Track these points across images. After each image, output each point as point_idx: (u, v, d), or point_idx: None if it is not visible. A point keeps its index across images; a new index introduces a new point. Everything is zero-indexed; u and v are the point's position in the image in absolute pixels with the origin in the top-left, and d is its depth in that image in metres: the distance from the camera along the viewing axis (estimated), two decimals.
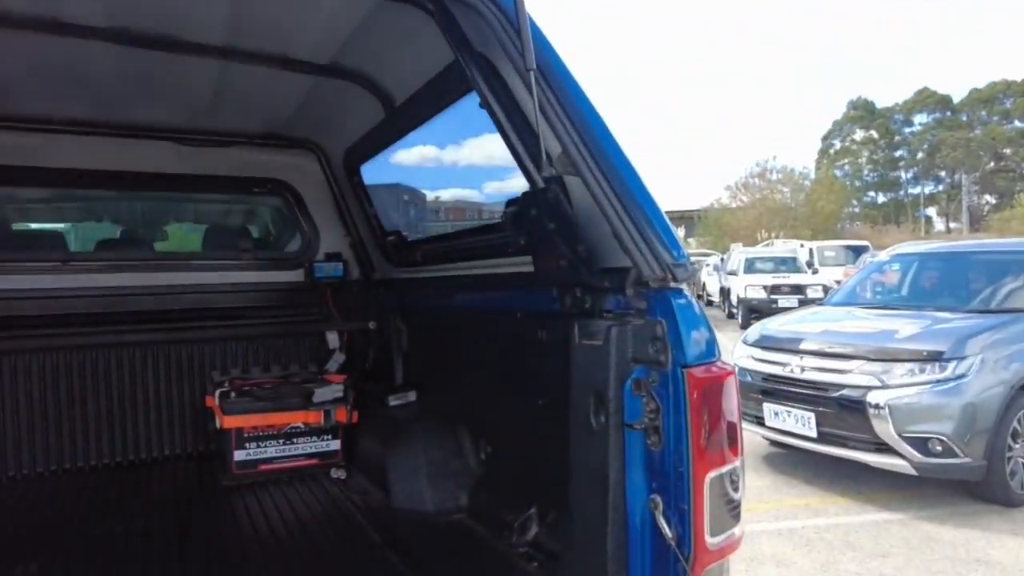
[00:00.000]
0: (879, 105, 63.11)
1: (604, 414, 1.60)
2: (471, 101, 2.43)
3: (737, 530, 1.61)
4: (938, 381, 4.88)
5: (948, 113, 60.21)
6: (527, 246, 2.09)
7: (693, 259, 1.68)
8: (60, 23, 2.27)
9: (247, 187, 3.88)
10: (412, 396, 3.26)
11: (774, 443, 6.17)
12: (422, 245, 3.36)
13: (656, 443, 1.53)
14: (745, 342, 6.54)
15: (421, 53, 2.37)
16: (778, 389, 5.74)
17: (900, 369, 5.05)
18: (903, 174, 63.02)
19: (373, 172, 3.56)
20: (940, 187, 60.83)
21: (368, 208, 3.63)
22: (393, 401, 3.22)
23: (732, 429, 1.55)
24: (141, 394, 3.57)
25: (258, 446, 3.20)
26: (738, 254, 20.97)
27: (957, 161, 55.36)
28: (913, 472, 4.91)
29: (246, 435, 3.17)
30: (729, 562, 1.66)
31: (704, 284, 23.31)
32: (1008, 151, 55.46)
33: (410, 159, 3.50)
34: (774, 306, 15.49)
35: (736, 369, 2.53)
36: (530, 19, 1.63)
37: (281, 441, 3.23)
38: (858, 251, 22.43)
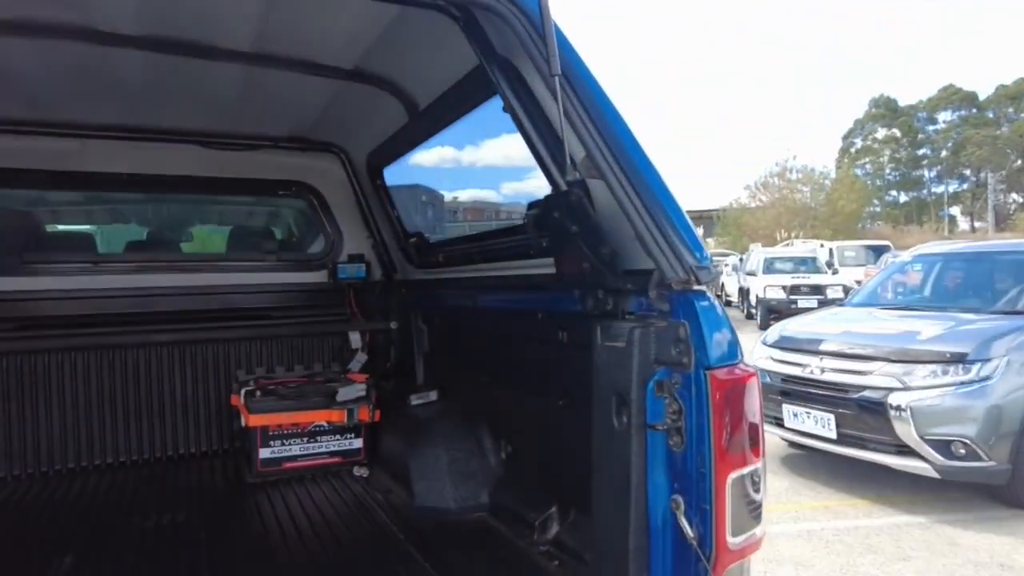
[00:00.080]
0: (901, 103, 62.18)
1: (627, 415, 1.62)
2: (493, 105, 2.47)
3: (758, 530, 1.62)
4: (962, 383, 4.82)
5: (974, 110, 59.11)
6: (549, 248, 2.12)
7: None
8: (95, 31, 2.34)
9: (272, 189, 3.96)
10: (433, 396, 3.31)
11: (793, 444, 6.14)
12: (444, 247, 3.40)
13: (678, 444, 1.55)
14: (764, 343, 6.51)
15: (445, 58, 2.41)
16: (797, 390, 5.71)
17: (922, 371, 4.99)
18: (926, 173, 62.02)
19: (396, 174, 3.61)
20: (965, 186, 59.75)
21: (390, 210, 3.68)
22: (415, 400, 3.26)
23: (754, 430, 1.57)
24: (168, 393, 3.66)
25: (282, 444, 3.26)
26: (757, 254, 20.82)
27: (983, 159, 54.33)
28: (935, 475, 4.85)
29: (271, 433, 3.23)
30: (750, 562, 1.68)
31: (723, 284, 23.15)
32: None
33: (432, 162, 3.55)
34: (793, 307, 15.37)
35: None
36: (555, 25, 1.66)
37: (305, 439, 3.29)
38: (879, 251, 22.17)
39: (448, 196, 4.12)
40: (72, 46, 2.43)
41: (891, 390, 5.01)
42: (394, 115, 3.02)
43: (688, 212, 1.65)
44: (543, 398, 2.40)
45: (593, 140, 1.63)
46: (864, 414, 5.16)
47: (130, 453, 3.56)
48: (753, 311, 18.03)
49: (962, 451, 4.72)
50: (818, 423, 5.50)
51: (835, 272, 19.08)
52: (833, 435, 5.38)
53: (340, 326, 3.98)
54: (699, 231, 1.69)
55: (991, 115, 58.28)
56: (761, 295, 17.11)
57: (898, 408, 4.90)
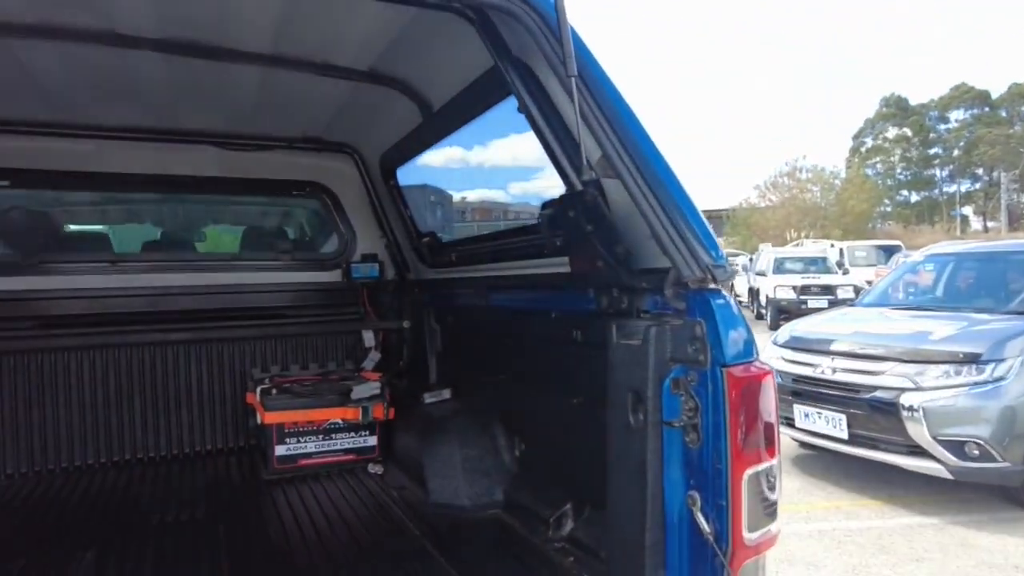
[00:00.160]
0: (912, 102, 61.69)
1: (643, 412, 1.64)
2: (506, 106, 2.50)
3: (774, 527, 1.63)
4: (975, 383, 4.80)
5: (986, 109, 58.54)
6: (563, 247, 2.14)
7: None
8: (117, 35, 2.38)
9: (286, 190, 4.00)
10: (447, 394, 3.33)
11: (804, 445, 6.12)
12: (456, 246, 3.42)
13: (695, 441, 1.57)
14: (775, 343, 6.50)
15: (459, 59, 2.43)
16: (808, 390, 5.69)
17: (935, 371, 4.97)
18: (938, 172, 61.48)
19: (408, 175, 3.64)
20: (977, 185, 59.17)
21: (403, 210, 3.71)
22: (428, 399, 3.29)
23: (770, 427, 1.58)
24: (184, 391, 3.70)
25: (298, 441, 3.29)
26: (767, 254, 20.74)
27: (995, 158, 53.79)
28: (948, 476, 4.83)
29: (287, 431, 3.27)
30: (765, 559, 1.69)
31: (732, 284, 23.04)
32: None
33: (445, 162, 3.58)
34: (803, 307, 15.30)
35: None
36: (570, 26, 1.68)
37: (320, 437, 3.33)
38: (890, 251, 22.03)
39: (460, 196, 4.15)
40: (94, 49, 2.47)
41: (903, 390, 4.99)
42: (408, 116, 3.04)
43: None
44: (557, 396, 2.42)
45: (609, 140, 1.65)
46: (876, 414, 5.15)
47: (147, 450, 3.60)
48: (763, 311, 17.96)
49: (976, 452, 4.70)
50: (829, 423, 5.48)
51: (845, 272, 18.99)
52: (844, 435, 5.36)
53: (354, 325, 4.01)
54: None
55: (1004, 114, 57.67)
56: (771, 295, 17.04)
57: (911, 408, 4.88)
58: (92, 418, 3.51)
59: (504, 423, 2.88)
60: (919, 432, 4.84)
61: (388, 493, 3.01)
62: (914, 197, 62.49)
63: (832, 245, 23.82)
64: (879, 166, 62.02)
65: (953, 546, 4.41)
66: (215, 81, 2.88)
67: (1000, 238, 30.11)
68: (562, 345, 2.36)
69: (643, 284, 1.76)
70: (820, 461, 6.13)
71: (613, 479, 1.77)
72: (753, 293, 19.95)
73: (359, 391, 3.33)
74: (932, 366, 5.01)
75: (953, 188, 60.13)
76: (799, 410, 5.71)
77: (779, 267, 18.59)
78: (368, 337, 4.02)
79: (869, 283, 14.33)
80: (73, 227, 4.20)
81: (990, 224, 54.98)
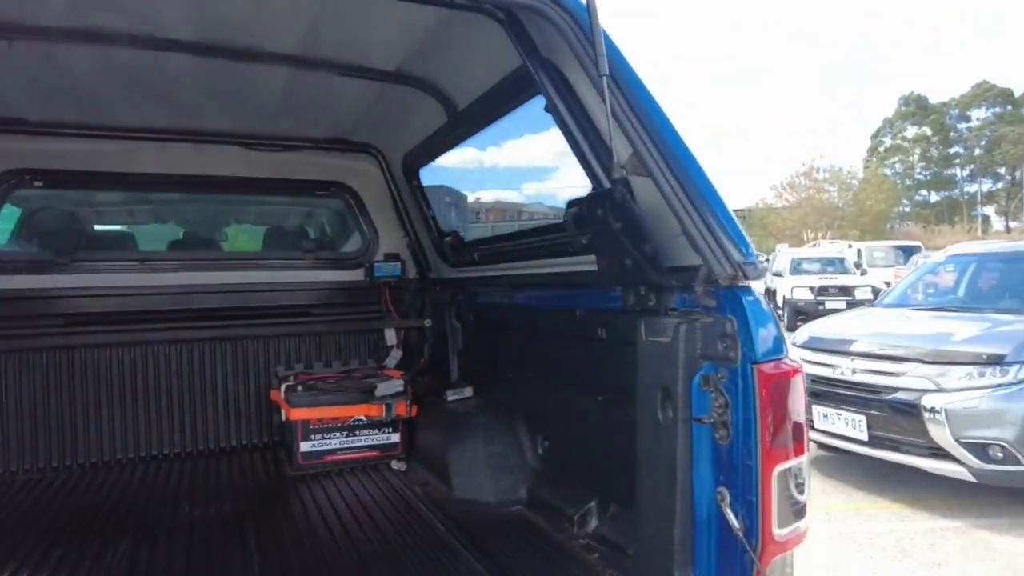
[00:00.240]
0: (932, 100, 60.83)
1: (672, 409, 1.65)
2: (532, 106, 2.52)
3: (802, 524, 1.65)
4: (999, 385, 4.74)
5: (1008, 107, 57.56)
6: (589, 245, 2.15)
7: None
8: (152, 38, 2.43)
9: (310, 190, 4.06)
10: (469, 392, 3.36)
11: (822, 446, 6.08)
12: (479, 245, 3.45)
13: (724, 437, 1.58)
14: (793, 344, 6.46)
15: (485, 59, 2.46)
16: (827, 391, 5.66)
17: (958, 372, 4.92)
18: (958, 171, 60.54)
19: (432, 174, 3.68)
20: (999, 184, 58.19)
21: (426, 210, 3.75)
22: (451, 396, 3.32)
23: (799, 423, 1.59)
24: (210, 388, 3.76)
25: (323, 438, 3.34)
26: (784, 254, 20.59)
27: (1018, 157, 52.88)
28: (971, 479, 4.78)
29: (311, 427, 3.31)
30: (793, 556, 1.70)
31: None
32: None
33: (469, 162, 3.61)
34: (821, 308, 15.19)
35: None
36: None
37: (344, 433, 3.37)
38: (909, 252, 21.79)
39: (483, 195, 4.18)
40: (129, 52, 2.52)
41: (925, 392, 4.95)
42: (432, 116, 3.07)
43: None
44: (581, 394, 2.44)
45: (640, 138, 1.67)
46: (897, 416, 5.10)
47: (173, 446, 3.67)
48: (780, 312, 17.83)
49: (999, 455, 4.65)
50: (849, 425, 5.45)
51: (863, 273, 18.81)
52: (864, 437, 5.32)
53: (376, 323, 4.06)
54: None
55: None
56: (788, 296, 16.93)
57: (932, 410, 4.84)
58: (120, 414, 3.58)
59: (527, 420, 2.90)
60: (941, 434, 4.79)
61: (412, 489, 3.04)
62: (933, 197, 61.57)
63: (850, 246, 23.60)
64: (898, 166, 61.23)
65: (976, 550, 4.36)
66: (243, 82, 2.93)
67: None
68: (587, 343, 2.37)
69: (672, 282, 1.78)
70: (839, 463, 6.08)
71: (641, 475, 1.78)
72: (770, 294, 19.80)
73: (383, 388, 3.37)
74: (955, 367, 4.96)
75: (974, 188, 59.20)
76: (818, 411, 5.68)
77: (796, 268, 18.46)
78: (390, 335, 4.06)
79: (888, 284, 14.18)
80: (103, 226, 4.29)
81: (1012, 224, 54.04)
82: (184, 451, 3.67)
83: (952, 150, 60.07)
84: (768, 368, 1.54)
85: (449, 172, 3.71)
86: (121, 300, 3.59)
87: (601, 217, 1.90)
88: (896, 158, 61.65)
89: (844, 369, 5.59)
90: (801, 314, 15.29)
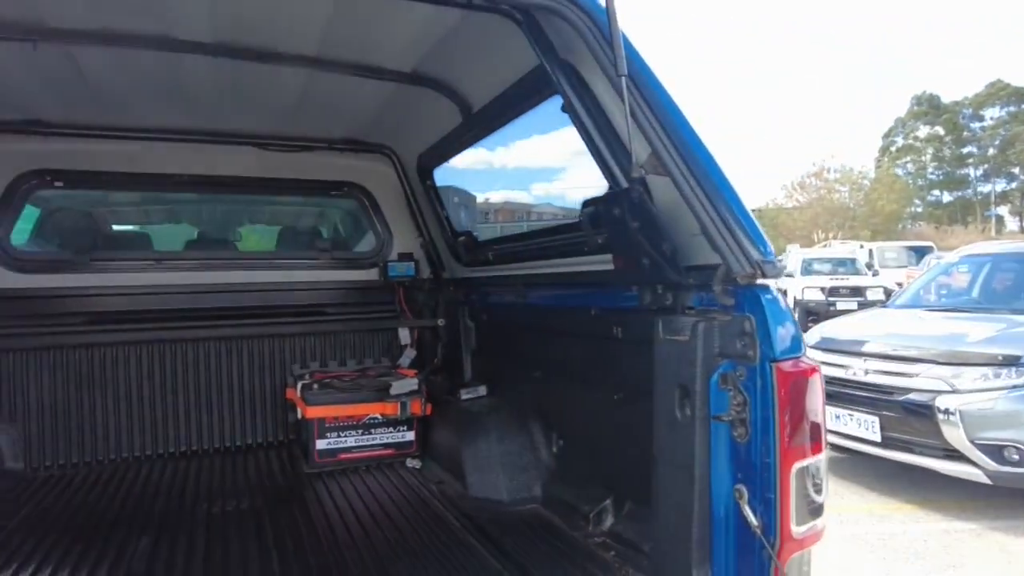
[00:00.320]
0: (945, 100, 60.26)
1: (690, 407, 1.66)
2: (547, 107, 2.54)
3: (819, 522, 1.65)
4: (1015, 386, 4.70)
5: (1023, 106, 56.94)
6: (606, 245, 2.17)
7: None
8: (173, 40, 2.47)
9: (325, 190, 4.09)
10: (483, 390, 3.38)
11: (835, 447, 6.04)
12: (493, 245, 3.47)
13: (743, 435, 1.59)
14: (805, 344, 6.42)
15: (502, 60, 2.47)
16: (840, 392, 5.63)
17: (972, 373, 4.89)
18: (972, 171, 59.91)
19: (445, 174, 3.70)
20: (1013, 184, 57.48)
21: (439, 210, 3.77)
22: (465, 395, 3.34)
23: (817, 422, 1.60)
24: (226, 386, 3.80)
25: (338, 436, 3.37)
26: (795, 255, 20.48)
27: None
28: (986, 481, 4.75)
29: (327, 425, 3.34)
30: (810, 554, 1.71)
31: None
32: None
33: (483, 162, 3.63)
34: (832, 308, 15.09)
35: None
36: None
37: (360, 431, 3.40)
38: (921, 252, 21.62)
39: (497, 196, 4.20)
40: (148, 54, 2.56)
41: (939, 393, 4.92)
42: (447, 117, 3.09)
43: None
44: (596, 393, 2.45)
45: (659, 138, 1.68)
46: (910, 417, 5.07)
47: (190, 443, 3.71)
48: None
49: (1015, 456, 4.61)
50: (861, 426, 5.42)
51: (875, 274, 18.67)
52: (877, 438, 5.30)
53: (390, 323, 4.09)
54: None
55: None
56: (799, 297, 16.81)
57: (947, 411, 4.81)
58: (138, 411, 3.63)
59: (541, 419, 2.92)
60: (956, 435, 4.76)
61: (427, 487, 3.06)
62: (946, 197, 60.97)
63: (861, 246, 23.44)
64: (910, 166, 60.71)
65: (991, 552, 4.33)
66: (259, 83, 2.96)
67: None
68: (602, 342, 2.38)
69: (690, 281, 1.79)
70: (851, 464, 6.05)
71: (659, 473, 1.80)
72: (781, 294, 19.68)
73: (398, 387, 3.40)
74: (969, 368, 4.92)
75: (988, 188, 58.55)
76: (830, 412, 5.65)
77: (807, 268, 18.34)
78: (404, 335, 4.09)
79: (900, 285, 14.08)
80: (121, 226, 4.35)
81: None
82: (201, 448, 3.72)
83: (965, 150, 59.45)
84: (787, 366, 1.55)
85: (463, 172, 3.74)
86: (139, 299, 3.63)
87: (618, 216, 1.91)
88: (908, 158, 61.11)
89: (857, 370, 5.56)
90: (812, 315, 15.18)
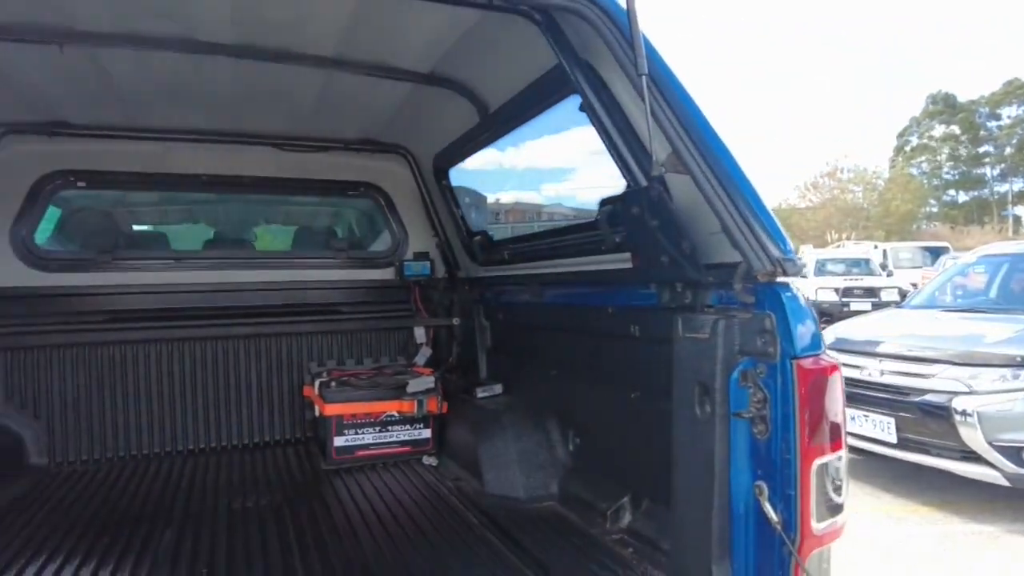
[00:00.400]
0: (961, 99, 59.55)
1: (710, 404, 1.67)
2: (564, 106, 2.55)
3: (840, 519, 1.66)
4: None
5: None
6: (623, 243, 2.18)
7: None
8: (194, 41, 2.51)
9: (341, 190, 4.13)
10: (498, 389, 3.41)
11: (851, 449, 5.99)
12: (508, 244, 3.49)
13: (763, 432, 1.60)
14: None
15: (519, 60, 2.49)
16: (855, 393, 5.59)
17: (991, 374, 4.85)
18: (988, 171, 59.13)
19: (461, 174, 3.72)
20: None
21: (455, 209, 3.80)
22: (481, 393, 3.36)
23: (837, 418, 1.61)
24: (244, 384, 3.85)
25: (356, 433, 3.40)
26: (808, 255, 20.35)
27: None
28: (1005, 483, 4.70)
29: (345, 422, 3.38)
30: (830, 551, 1.71)
31: None
32: None
33: (499, 162, 3.64)
34: (845, 309, 14.98)
35: None
36: None
37: (377, 429, 3.43)
38: (937, 252, 21.40)
39: (512, 195, 4.22)
40: (172, 56, 2.61)
41: (956, 394, 4.88)
42: (463, 117, 3.12)
43: None
44: (613, 391, 2.46)
45: (679, 136, 1.69)
46: (927, 418, 5.04)
47: (209, 440, 3.76)
48: None
49: None
50: (877, 427, 5.39)
51: (889, 274, 18.51)
52: (893, 439, 5.26)
53: (406, 321, 4.12)
54: None
55: None
56: (812, 297, 16.70)
57: (964, 413, 4.77)
58: (158, 408, 3.68)
59: (557, 417, 2.93)
60: (973, 437, 4.72)
61: (444, 484, 3.08)
62: (962, 197, 60.25)
63: (875, 247, 23.25)
64: (924, 165, 60.05)
65: (1010, 556, 4.29)
66: (279, 84, 3.00)
67: None
68: (619, 340, 2.40)
69: (709, 279, 1.80)
70: (867, 465, 6.01)
71: (678, 470, 1.81)
72: None
73: (414, 385, 3.42)
74: (987, 369, 4.88)
75: (1005, 187, 57.77)
76: (846, 413, 5.61)
77: (820, 269, 18.22)
78: (419, 333, 4.13)
79: (914, 286, 13.95)
80: (141, 226, 4.41)
81: None
82: (219, 445, 3.76)
83: (982, 149, 58.68)
84: (807, 363, 1.56)
85: (478, 172, 3.75)
86: (159, 298, 3.69)
87: (637, 215, 1.93)
88: (923, 157, 60.44)
89: (872, 371, 5.53)
90: (825, 316, 15.07)
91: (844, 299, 16.09)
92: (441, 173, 3.76)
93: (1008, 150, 55.86)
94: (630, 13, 1.67)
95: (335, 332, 4.02)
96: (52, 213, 3.72)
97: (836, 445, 1.61)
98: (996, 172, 58.27)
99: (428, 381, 3.47)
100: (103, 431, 3.57)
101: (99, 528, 2.61)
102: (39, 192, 3.48)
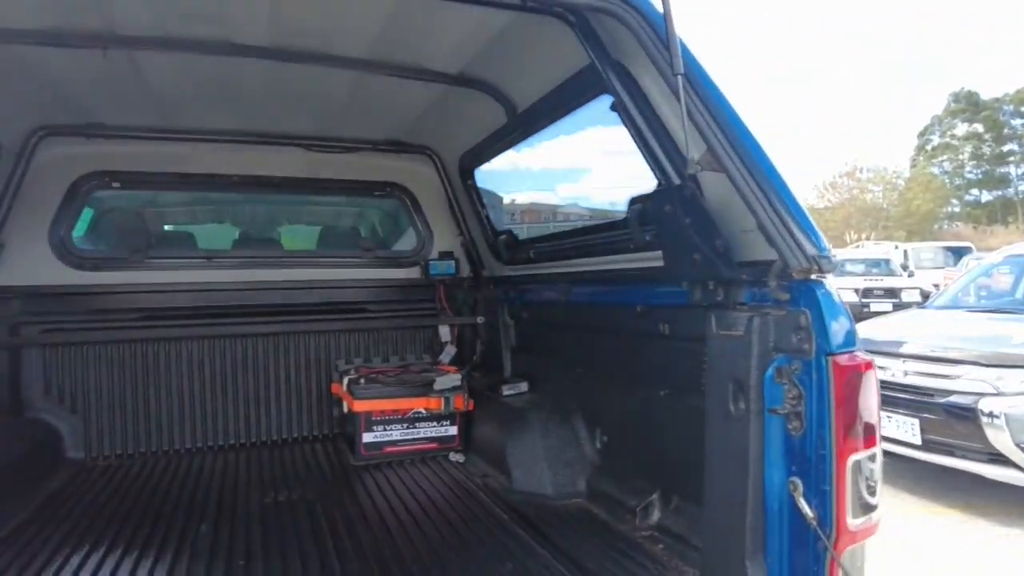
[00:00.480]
0: (984, 97, 58.50)
1: (744, 401, 1.69)
2: (593, 107, 2.58)
3: (875, 515, 1.67)
4: None
5: None
6: (653, 242, 2.20)
7: None
8: (230, 44, 2.57)
9: (368, 190, 4.18)
10: (524, 387, 3.44)
11: None
12: (534, 243, 3.52)
13: (798, 428, 1.61)
14: None
15: (549, 61, 2.51)
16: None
17: (1018, 375, 4.78)
18: (1013, 170, 58.00)
19: (486, 174, 3.76)
20: None
21: (480, 209, 3.83)
22: (507, 391, 3.40)
23: (872, 414, 1.62)
24: (273, 381, 3.92)
25: (384, 429, 3.45)
26: None
27: None
28: None
29: (374, 419, 3.43)
30: (864, 547, 1.72)
31: None
32: None
33: (526, 162, 3.67)
34: (866, 310, 14.82)
35: None
36: None
37: (405, 425, 3.48)
38: (960, 253, 21.08)
39: (539, 195, 4.26)
40: (207, 59, 2.66)
41: (983, 395, 4.82)
42: (491, 117, 3.15)
43: None
44: (641, 388, 2.48)
45: (714, 134, 1.71)
46: (952, 420, 4.98)
47: (239, 436, 3.83)
48: None
49: None
50: (900, 428, 5.34)
51: (911, 275, 18.27)
52: (918, 441, 5.21)
53: (431, 320, 4.17)
54: None
55: None
56: None
57: (991, 414, 4.72)
58: (189, 405, 3.76)
59: (584, 415, 2.96)
60: (1001, 439, 4.67)
61: (472, 480, 3.12)
62: (985, 196, 59.20)
63: (896, 247, 22.96)
64: (946, 164, 59.05)
65: None
66: (309, 86, 3.05)
67: None
68: (648, 338, 2.41)
69: (743, 276, 1.81)
70: (890, 467, 5.91)
71: (711, 467, 1.82)
72: None
73: (441, 382, 3.47)
74: (1015, 370, 4.81)
75: None
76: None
77: (840, 269, 18.02)
78: (444, 332, 4.17)
79: (936, 287, 13.76)
80: (173, 225, 4.50)
81: None
82: (249, 441, 3.83)
83: (1006, 148, 57.56)
84: (843, 360, 1.57)
85: (504, 172, 3.79)
86: (190, 296, 3.76)
87: (670, 213, 1.95)
88: (945, 156, 59.45)
89: (896, 371, 5.48)
90: None
91: (864, 300, 15.91)
92: (467, 173, 3.80)
93: None
94: (666, 14, 1.69)
95: (361, 330, 4.08)
96: (87, 213, 3.82)
97: (871, 441, 1.61)
98: (1021, 171, 57.14)
99: (455, 379, 3.52)
100: (136, 426, 3.65)
101: (137, 521, 2.68)
102: (76, 193, 3.57)
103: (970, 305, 6.93)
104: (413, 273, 4.16)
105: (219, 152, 3.75)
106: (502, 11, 2.17)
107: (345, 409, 3.56)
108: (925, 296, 12.56)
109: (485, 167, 3.73)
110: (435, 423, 3.50)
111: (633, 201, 2.30)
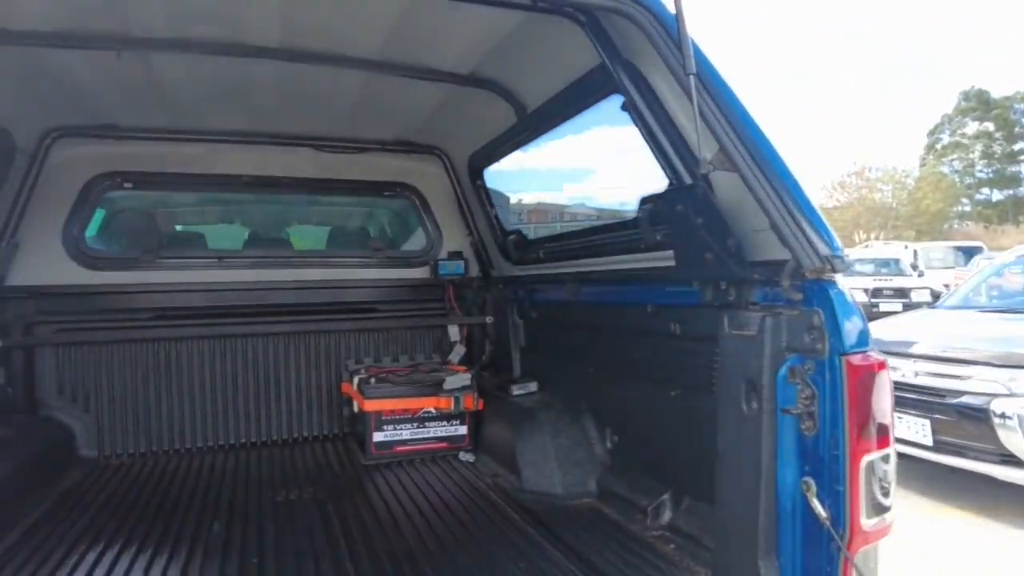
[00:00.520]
0: (995, 95, 57.97)
1: (757, 401, 1.69)
2: (603, 107, 2.58)
3: (888, 516, 1.66)
4: None
5: None
6: (664, 241, 2.20)
7: None
8: (243, 45, 2.59)
9: (378, 190, 4.20)
10: (533, 387, 3.44)
11: None
12: (543, 243, 3.52)
13: (810, 428, 1.61)
14: None
15: (560, 61, 2.52)
16: None
17: None
18: None
19: (495, 174, 3.77)
20: None
21: (489, 209, 3.84)
22: (516, 391, 3.40)
23: (886, 414, 1.61)
24: (284, 381, 3.94)
25: (394, 429, 3.46)
26: None
27: None
28: None
29: (384, 418, 3.44)
30: (877, 548, 1.71)
31: None
32: None
33: (535, 162, 3.68)
34: (875, 310, 14.72)
35: None
36: None
37: (415, 424, 3.49)
38: (970, 252, 20.92)
39: (547, 195, 4.26)
40: (220, 60, 2.68)
41: (995, 396, 4.78)
42: (501, 117, 3.15)
43: None
44: (652, 389, 2.48)
45: (727, 135, 1.71)
46: (964, 421, 4.95)
47: (250, 435, 3.85)
48: None
49: None
50: (911, 429, 5.31)
51: (920, 275, 18.15)
52: (929, 442, 5.18)
53: (440, 320, 4.18)
54: None
55: None
56: None
57: (1003, 415, 4.68)
58: (200, 404, 3.78)
59: (594, 415, 2.96)
60: (1013, 440, 4.63)
61: (482, 480, 3.13)
62: (996, 195, 58.68)
63: (906, 247, 22.81)
64: (956, 163, 58.58)
65: None
66: (320, 86, 3.06)
67: None
68: (658, 338, 2.41)
69: (755, 276, 1.81)
70: (901, 468, 5.85)
71: (723, 467, 1.82)
72: None
73: (451, 382, 3.48)
74: None
75: None
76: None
77: (850, 269, 17.91)
78: (454, 332, 4.18)
79: (947, 287, 13.66)
80: (184, 226, 4.53)
81: None
82: (260, 440, 3.85)
83: (1017, 146, 57.05)
84: (856, 359, 1.57)
85: (513, 172, 3.79)
86: (202, 296, 3.79)
87: (681, 213, 1.95)
88: (955, 155, 58.98)
89: (906, 372, 5.44)
90: None
91: (873, 300, 15.81)
92: (476, 173, 3.81)
93: None
94: (678, 15, 1.69)
95: (371, 330, 4.09)
96: (100, 213, 3.85)
97: (884, 441, 1.61)
98: None
99: (464, 378, 3.52)
100: (149, 425, 3.68)
101: (150, 519, 2.70)
102: (89, 193, 3.60)
103: (981, 305, 6.88)
104: (423, 273, 4.18)
105: (230, 153, 3.78)
106: (512, 11, 2.18)
107: (356, 409, 3.57)
108: (935, 296, 12.47)
109: (494, 167, 3.74)
110: (445, 423, 3.51)
111: (644, 201, 2.30)
